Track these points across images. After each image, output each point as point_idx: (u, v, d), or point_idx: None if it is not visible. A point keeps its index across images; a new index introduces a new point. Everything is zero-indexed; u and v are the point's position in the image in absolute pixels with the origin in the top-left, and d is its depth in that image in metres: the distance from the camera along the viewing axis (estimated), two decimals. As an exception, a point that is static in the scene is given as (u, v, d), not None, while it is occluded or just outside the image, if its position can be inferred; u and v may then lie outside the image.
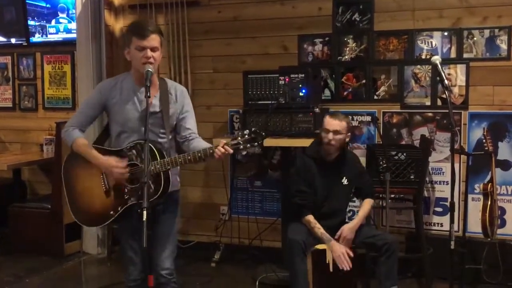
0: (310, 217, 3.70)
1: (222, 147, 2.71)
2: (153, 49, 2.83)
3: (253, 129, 2.75)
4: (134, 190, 2.84)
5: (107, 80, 3.06)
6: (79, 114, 3.01)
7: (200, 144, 2.94)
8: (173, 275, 3.06)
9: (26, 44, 5.86)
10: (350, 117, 4.69)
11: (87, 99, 3.04)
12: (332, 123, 3.71)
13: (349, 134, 3.85)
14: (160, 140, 2.93)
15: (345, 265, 3.57)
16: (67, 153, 3.09)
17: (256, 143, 2.71)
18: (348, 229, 3.67)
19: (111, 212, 2.89)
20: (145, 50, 2.80)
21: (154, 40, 2.83)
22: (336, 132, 3.68)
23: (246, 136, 2.72)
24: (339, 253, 3.57)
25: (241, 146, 2.72)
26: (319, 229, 3.67)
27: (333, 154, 3.78)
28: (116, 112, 2.92)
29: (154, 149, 2.81)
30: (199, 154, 2.76)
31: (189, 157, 2.77)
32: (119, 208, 2.87)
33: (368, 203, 3.88)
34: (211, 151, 2.74)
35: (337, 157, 3.80)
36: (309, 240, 3.63)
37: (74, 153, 2.98)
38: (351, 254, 3.59)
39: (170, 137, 2.97)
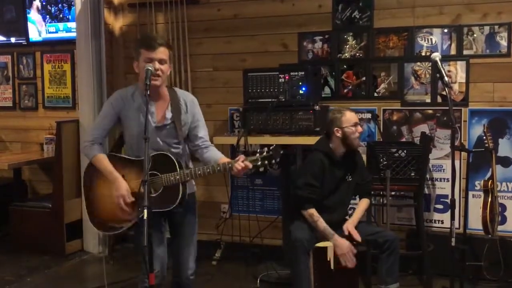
0: (313, 211, 3.67)
1: (242, 161, 2.80)
2: (160, 61, 2.90)
3: (272, 146, 2.83)
4: (152, 198, 2.83)
5: (117, 92, 3.13)
6: (96, 128, 3.08)
7: (215, 154, 3.06)
8: (194, 275, 3.17)
9: (26, 43, 5.86)
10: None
11: (101, 113, 3.11)
12: (355, 116, 3.75)
13: None
14: (174, 150, 3.01)
15: (350, 263, 3.56)
16: (88, 163, 3.15)
17: (273, 161, 2.80)
18: (351, 224, 3.68)
19: (128, 221, 2.96)
20: (153, 62, 2.87)
21: (162, 52, 2.90)
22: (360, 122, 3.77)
23: (265, 153, 2.82)
24: (344, 250, 3.56)
25: (259, 163, 2.82)
26: (322, 223, 3.64)
27: (343, 150, 3.77)
28: (129, 125, 3.00)
29: (174, 160, 2.90)
30: (218, 168, 2.87)
31: (208, 170, 2.88)
32: (135, 217, 2.94)
33: (365, 203, 3.87)
34: (229, 165, 2.83)
35: (345, 153, 3.79)
36: (312, 238, 3.63)
37: (92, 164, 3.08)
38: (355, 250, 3.59)
39: (182, 146, 3.06)
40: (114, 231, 3.08)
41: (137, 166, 2.94)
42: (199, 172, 2.87)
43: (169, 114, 3.00)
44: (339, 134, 3.72)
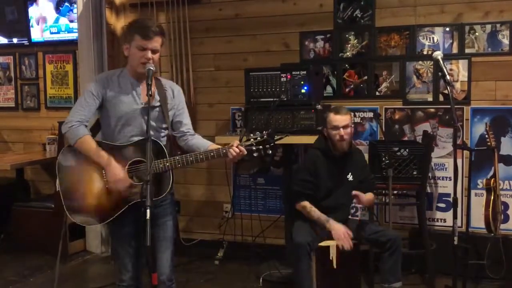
0: (306, 203, 3.70)
1: (237, 147, 2.71)
2: (154, 51, 2.81)
3: (265, 131, 2.73)
4: (140, 187, 2.69)
5: (101, 73, 3.01)
6: (82, 107, 2.84)
7: (203, 141, 2.97)
8: (172, 281, 2.99)
9: (27, 43, 5.87)
10: (352, 113, 4.69)
11: (84, 92, 2.88)
12: (339, 119, 3.69)
13: (353, 126, 3.84)
14: (161, 134, 2.92)
15: (347, 244, 3.54)
16: (62, 148, 2.93)
17: (268, 145, 2.70)
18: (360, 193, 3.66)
19: (113, 210, 2.80)
20: (146, 51, 2.79)
21: (156, 42, 2.81)
22: (345, 126, 3.68)
23: (258, 138, 2.72)
24: (340, 233, 3.56)
25: (254, 148, 2.72)
26: (315, 212, 3.66)
27: (345, 148, 3.76)
28: (114, 105, 2.84)
29: (162, 146, 2.81)
30: (212, 154, 2.77)
31: (201, 156, 2.78)
32: (122, 206, 2.79)
33: (370, 194, 3.83)
34: (224, 151, 2.74)
35: (344, 152, 3.79)
36: (314, 241, 3.62)
37: (70, 148, 2.86)
38: (351, 233, 3.58)
39: (167, 132, 2.96)
40: (99, 222, 2.90)
41: (122, 153, 2.80)
42: (191, 159, 2.75)
43: (156, 97, 2.88)
44: (326, 134, 3.74)
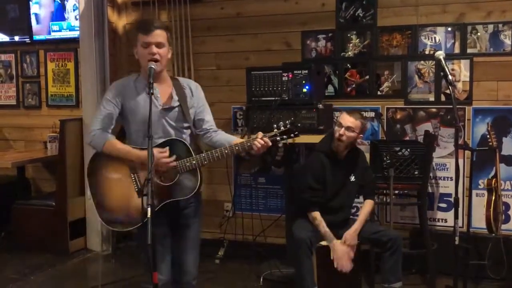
0: (317, 214, 3.69)
1: (261, 139, 2.72)
2: (158, 45, 2.78)
3: (288, 121, 2.79)
4: (168, 187, 2.77)
5: (118, 80, 3.00)
6: (101, 116, 2.83)
7: (227, 136, 2.97)
8: (196, 279, 3.04)
9: (29, 41, 5.87)
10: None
11: (103, 101, 2.88)
12: (347, 118, 3.70)
13: (361, 135, 3.82)
14: (183, 135, 2.90)
15: (345, 268, 3.58)
16: (90, 156, 2.91)
17: (292, 135, 2.75)
18: (350, 235, 3.66)
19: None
20: (150, 46, 2.76)
21: (159, 35, 2.78)
22: (348, 128, 3.67)
23: (282, 128, 2.76)
24: (340, 254, 3.58)
25: (278, 138, 2.76)
26: (324, 227, 3.67)
27: (344, 151, 3.77)
28: (133, 111, 2.83)
29: (188, 144, 2.82)
30: (237, 147, 2.77)
31: (226, 151, 2.77)
32: (155, 206, 2.70)
33: (368, 204, 3.85)
34: (249, 144, 2.74)
35: (348, 155, 3.80)
36: (315, 237, 3.64)
37: (98, 156, 2.85)
38: (352, 255, 3.59)
39: (190, 131, 2.95)
40: (133, 226, 2.80)
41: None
42: (217, 155, 2.75)
43: (175, 97, 2.87)
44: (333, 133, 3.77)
